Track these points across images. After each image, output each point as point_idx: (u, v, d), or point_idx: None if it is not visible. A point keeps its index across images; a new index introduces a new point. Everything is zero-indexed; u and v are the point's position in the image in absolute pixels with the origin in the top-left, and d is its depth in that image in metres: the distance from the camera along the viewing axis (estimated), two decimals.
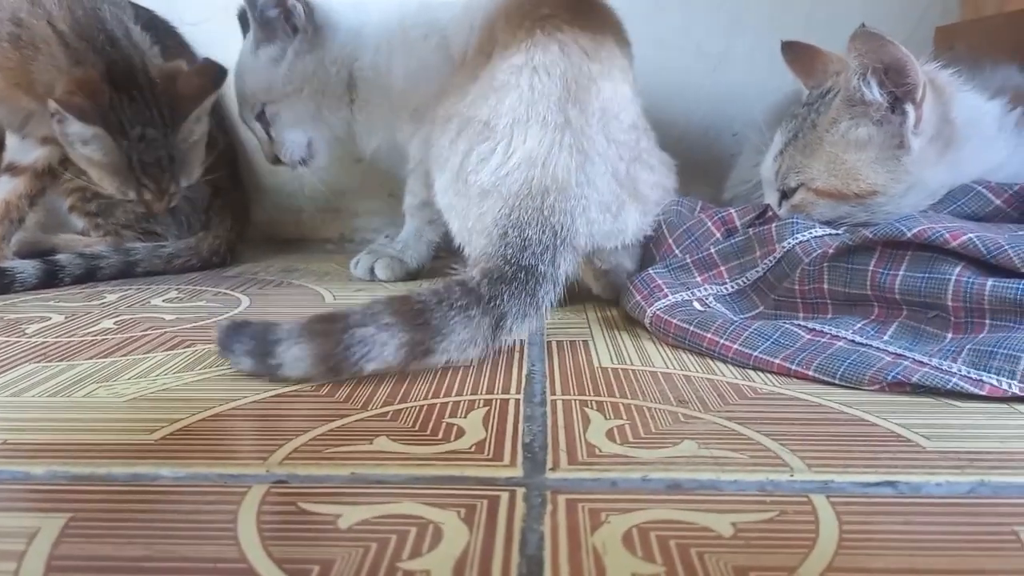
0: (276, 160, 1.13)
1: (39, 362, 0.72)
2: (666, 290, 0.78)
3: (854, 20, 1.29)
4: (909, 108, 0.73)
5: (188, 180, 1.15)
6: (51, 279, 1.07)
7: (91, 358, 0.74)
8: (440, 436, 0.55)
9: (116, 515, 0.44)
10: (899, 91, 0.73)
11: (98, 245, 1.18)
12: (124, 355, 0.75)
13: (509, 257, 0.71)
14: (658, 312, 0.76)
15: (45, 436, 0.55)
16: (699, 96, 1.34)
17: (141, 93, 1.07)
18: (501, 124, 0.80)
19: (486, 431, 0.55)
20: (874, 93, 0.73)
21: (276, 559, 0.39)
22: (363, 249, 1.16)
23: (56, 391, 0.64)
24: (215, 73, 1.13)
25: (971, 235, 0.64)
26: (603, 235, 0.80)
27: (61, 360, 0.73)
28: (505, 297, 0.68)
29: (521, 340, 0.77)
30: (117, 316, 0.91)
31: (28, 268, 1.06)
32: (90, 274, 1.11)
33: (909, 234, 0.66)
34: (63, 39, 1.05)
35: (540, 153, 0.77)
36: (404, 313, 0.64)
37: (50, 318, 0.90)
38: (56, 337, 0.81)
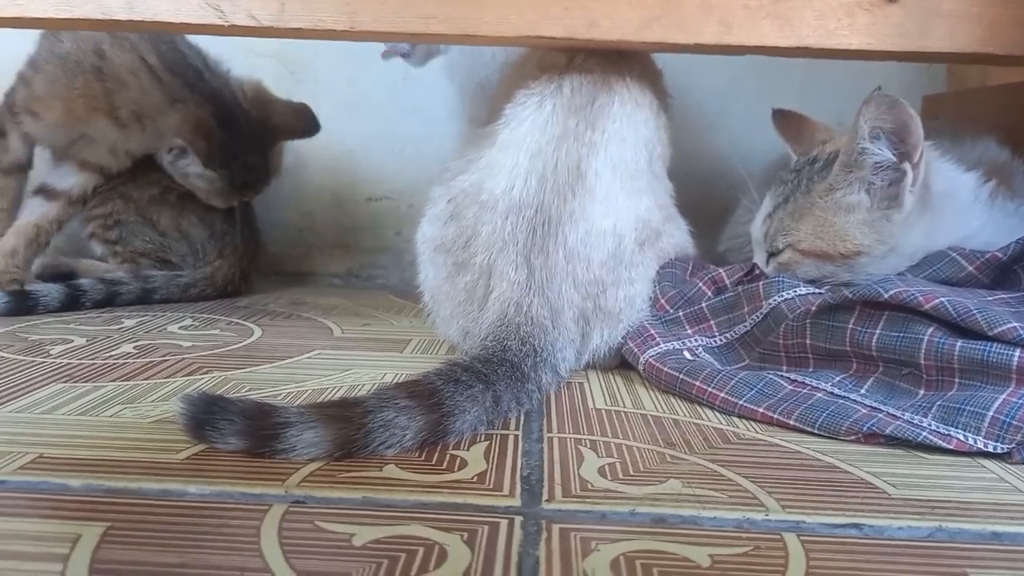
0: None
1: (65, 382, 0.77)
2: (658, 339, 0.83)
3: (844, 86, 1.36)
4: (907, 167, 0.78)
5: (277, 177, 1.30)
6: (73, 303, 1.12)
7: (115, 380, 0.78)
8: (444, 466, 0.59)
9: (150, 526, 0.48)
10: (902, 150, 0.78)
11: (117, 271, 1.23)
12: (146, 379, 0.79)
13: (491, 356, 0.73)
14: (650, 359, 0.81)
15: (78, 452, 0.59)
16: (697, 151, 1.40)
17: (239, 126, 1.18)
18: (478, 260, 0.85)
19: (487, 463, 0.60)
20: (884, 153, 0.78)
21: (298, 570, 0.43)
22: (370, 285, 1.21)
23: (84, 410, 0.69)
24: (309, 122, 1.26)
25: (943, 299, 0.69)
26: (576, 363, 0.84)
27: (86, 381, 0.77)
28: (500, 373, 0.70)
29: None
30: (136, 341, 0.95)
31: (52, 291, 1.11)
32: (110, 299, 1.15)
33: (886, 295, 0.71)
34: (154, 72, 1.14)
35: (513, 297, 0.81)
36: (418, 395, 0.63)
37: (72, 340, 0.95)
38: (80, 359, 0.86)
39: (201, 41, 1.24)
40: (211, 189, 1.21)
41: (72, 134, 1.18)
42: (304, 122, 1.24)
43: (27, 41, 1.18)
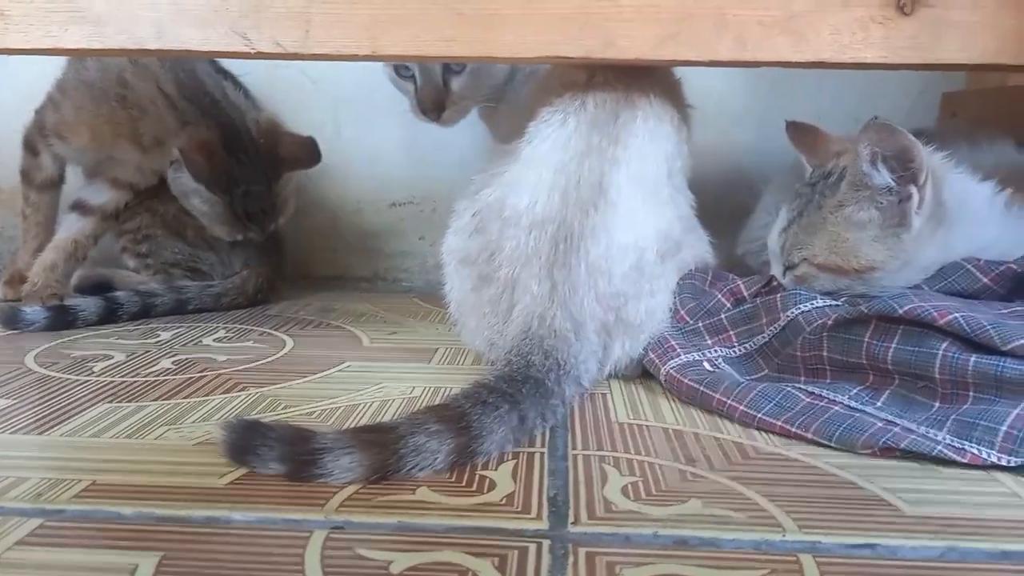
0: (435, 108, 1.13)
1: (110, 402, 0.80)
2: (679, 350, 0.86)
3: (861, 86, 1.37)
4: (913, 190, 0.79)
5: (285, 218, 1.30)
6: (110, 316, 1.16)
7: (157, 399, 0.81)
8: (474, 488, 0.62)
9: (201, 554, 0.51)
10: (905, 174, 0.79)
11: (151, 283, 1.27)
12: (186, 397, 0.82)
13: (516, 372, 0.76)
14: (671, 371, 0.83)
15: (127, 478, 0.62)
16: (716, 152, 1.41)
17: (247, 154, 1.20)
18: (503, 274, 0.87)
19: (515, 483, 0.63)
20: (884, 178, 0.80)
21: None
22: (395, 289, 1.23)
23: (130, 432, 0.72)
24: (314, 153, 1.27)
25: (956, 315, 0.70)
26: (598, 373, 0.86)
27: (130, 401, 0.81)
28: (524, 392, 0.72)
29: None
30: (174, 356, 0.99)
31: (90, 305, 1.15)
32: (146, 311, 1.19)
33: (901, 311, 0.73)
34: (170, 100, 1.17)
35: (537, 310, 0.83)
36: (447, 419, 0.66)
37: (112, 356, 0.98)
38: (122, 377, 0.89)
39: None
40: (211, 214, 1.21)
41: (99, 155, 1.23)
42: (308, 153, 1.26)
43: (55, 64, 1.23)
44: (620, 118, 0.88)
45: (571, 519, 0.57)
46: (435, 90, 1.12)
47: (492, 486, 0.62)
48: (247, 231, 1.23)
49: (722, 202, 1.22)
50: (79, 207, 1.26)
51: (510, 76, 1.15)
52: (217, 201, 1.19)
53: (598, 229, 0.85)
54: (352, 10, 0.84)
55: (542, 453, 0.69)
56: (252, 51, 0.86)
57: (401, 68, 1.13)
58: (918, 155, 0.78)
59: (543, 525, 0.56)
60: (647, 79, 0.92)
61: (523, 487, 0.62)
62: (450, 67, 1.11)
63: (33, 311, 1.11)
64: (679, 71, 1.02)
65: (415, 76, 1.12)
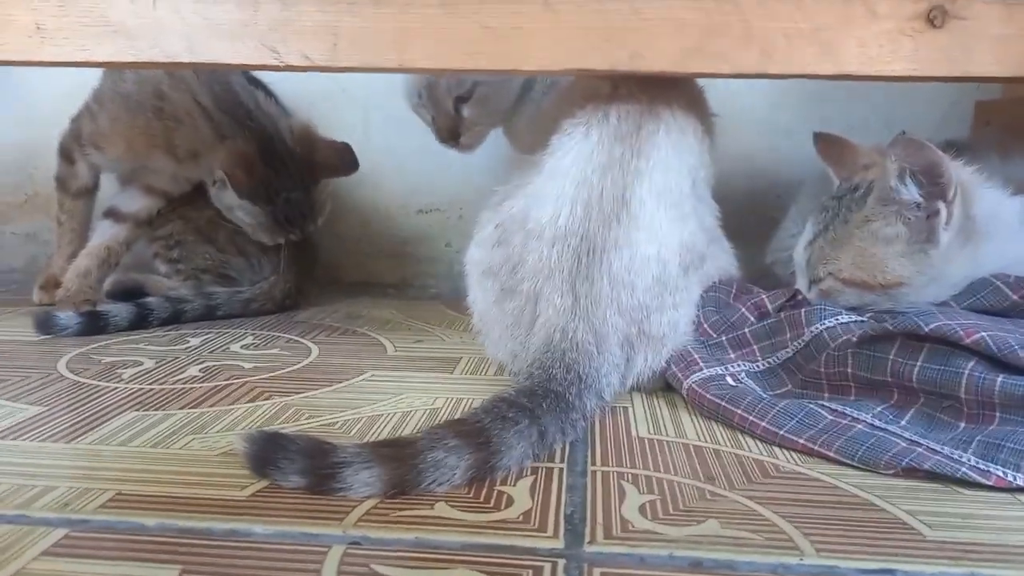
0: (450, 136, 1.17)
1: (138, 410, 0.82)
2: (701, 364, 0.85)
3: (891, 93, 1.35)
4: (941, 205, 0.78)
5: (323, 218, 1.33)
6: (141, 321, 1.18)
7: (183, 407, 0.83)
8: (492, 504, 0.62)
9: (219, 568, 0.52)
10: (933, 190, 0.78)
11: (181, 289, 1.30)
12: (211, 406, 0.84)
13: (537, 386, 0.76)
14: (693, 385, 0.83)
15: (151, 488, 0.64)
16: (745, 159, 1.40)
17: (283, 163, 1.23)
18: (525, 287, 0.87)
19: (532, 500, 0.63)
20: (911, 193, 0.79)
21: None
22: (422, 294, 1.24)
23: (156, 442, 0.73)
24: (351, 161, 1.29)
25: (983, 333, 0.69)
26: (620, 386, 0.86)
27: (157, 409, 0.82)
28: (544, 407, 0.72)
29: None
30: (201, 363, 1.00)
31: (122, 311, 1.17)
32: (176, 317, 1.21)
33: (926, 329, 0.72)
34: (206, 112, 1.20)
35: (559, 323, 0.83)
36: (466, 434, 0.66)
37: (142, 363, 1.00)
38: (150, 384, 0.91)
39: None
40: (255, 224, 1.25)
41: (135, 165, 1.25)
42: (345, 160, 1.28)
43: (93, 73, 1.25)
44: (643, 130, 0.88)
45: (587, 538, 0.57)
46: (447, 118, 1.15)
47: (510, 502, 0.62)
48: (289, 234, 1.28)
49: (748, 213, 1.21)
50: (112, 214, 1.28)
51: (523, 93, 1.16)
52: (260, 212, 1.23)
53: (621, 242, 0.85)
54: (379, 24, 0.85)
55: (561, 468, 0.69)
56: (281, 64, 0.87)
57: (417, 100, 1.16)
58: (947, 170, 0.77)
59: (559, 544, 0.56)
60: (671, 90, 0.92)
61: (540, 504, 0.62)
62: (460, 95, 1.13)
63: (66, 316, 1.13)
64: (703, 81, 1.02)
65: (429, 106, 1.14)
